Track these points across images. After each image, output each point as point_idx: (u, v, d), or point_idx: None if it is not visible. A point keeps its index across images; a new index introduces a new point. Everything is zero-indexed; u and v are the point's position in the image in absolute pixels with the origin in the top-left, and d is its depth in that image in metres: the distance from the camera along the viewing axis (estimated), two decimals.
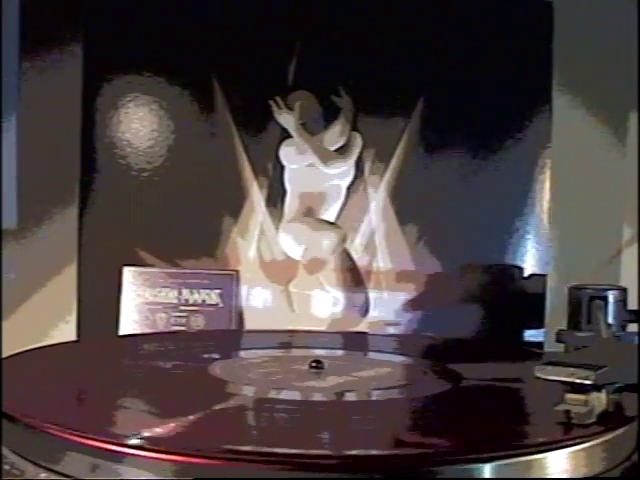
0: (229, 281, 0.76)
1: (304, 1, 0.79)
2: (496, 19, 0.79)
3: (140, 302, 0.75)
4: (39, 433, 0.39)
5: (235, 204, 0.77)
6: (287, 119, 0.77)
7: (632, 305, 0.69)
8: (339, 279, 0.77)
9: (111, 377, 0.52)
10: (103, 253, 0.76)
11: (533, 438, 0.40)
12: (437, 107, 0.78)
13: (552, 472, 0.38)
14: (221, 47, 0.77)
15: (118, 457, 0.36)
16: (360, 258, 0.78)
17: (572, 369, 0.40)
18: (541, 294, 0.78)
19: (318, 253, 0.77)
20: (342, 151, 0.78)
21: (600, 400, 0.41)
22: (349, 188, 0.78)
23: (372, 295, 0.77)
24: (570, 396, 0.40)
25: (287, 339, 0.67)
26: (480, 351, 0.66)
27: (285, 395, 0.48)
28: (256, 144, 0.77)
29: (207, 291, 0.75)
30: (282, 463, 0.35)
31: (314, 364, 0.54)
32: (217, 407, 0.44)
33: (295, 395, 0.49)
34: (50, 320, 0.81)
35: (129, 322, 0.75)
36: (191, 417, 0.41)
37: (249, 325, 0.76)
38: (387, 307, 0.77)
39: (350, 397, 0.49)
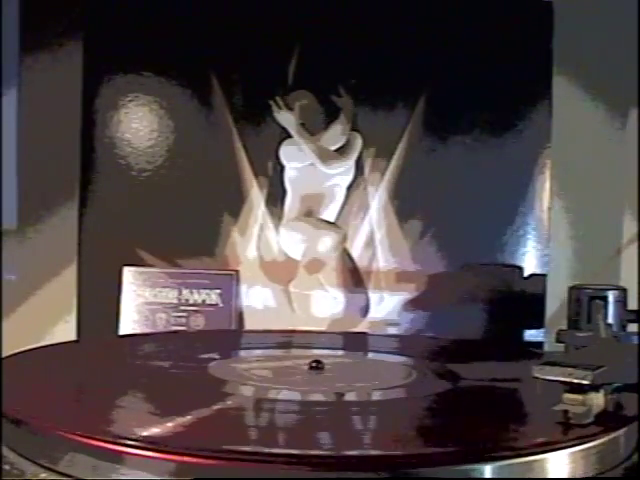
0: (229, 281, 0.76)
1: (304, 1, 0.79)
2: (496, 19, 0.79)
3: (140, 302, 0.75)
4: (39, 433, 0.39)
5: (235, 204, 0.77)
6: (287, 119, 0.77)
7: (632, 305, 0.69)
8: (339, 279, 0.77)
9: (111, 377, 0.52)
10: (103, 253, 0.76)
11: (533, 438, 0.40)
12: (437, 106, 0.78)
13: (552, 472, 0.38)
14: (221, 47, 0.77)
15: (118, 457, 0.36)
16: (360, 258, 0.78)
17: (570, 369, 0.40)
18: (541, 294, 0.78)
19: (318, 253, 0.77)
20: (342, 151, 0.78)
21: (598, 400, 0.41)
22: (349, 188, 0.78)
23: (372, 295, 0.77)
24: (568, 396, 0.40)
25: (287, 339, 0.67)
26: (480, 351, 0.66)
27: (285, 395, 0.48)
28: (256, 144, 0.77)
29: (207, 291, 0.75)
30: (282, 463, 0.35)
31: (314, 364, 0.54)
32: (217, 407, 0.44)
33: (295, 395, 0.49)
34: (50, 320, 0.81)
35: (129, 322, 0.75)
36: (191, 417, 0.41)
37: (249, 325, 0.77)
38: (387, 307, 0.77)
39: (350, 397, 0.49)
